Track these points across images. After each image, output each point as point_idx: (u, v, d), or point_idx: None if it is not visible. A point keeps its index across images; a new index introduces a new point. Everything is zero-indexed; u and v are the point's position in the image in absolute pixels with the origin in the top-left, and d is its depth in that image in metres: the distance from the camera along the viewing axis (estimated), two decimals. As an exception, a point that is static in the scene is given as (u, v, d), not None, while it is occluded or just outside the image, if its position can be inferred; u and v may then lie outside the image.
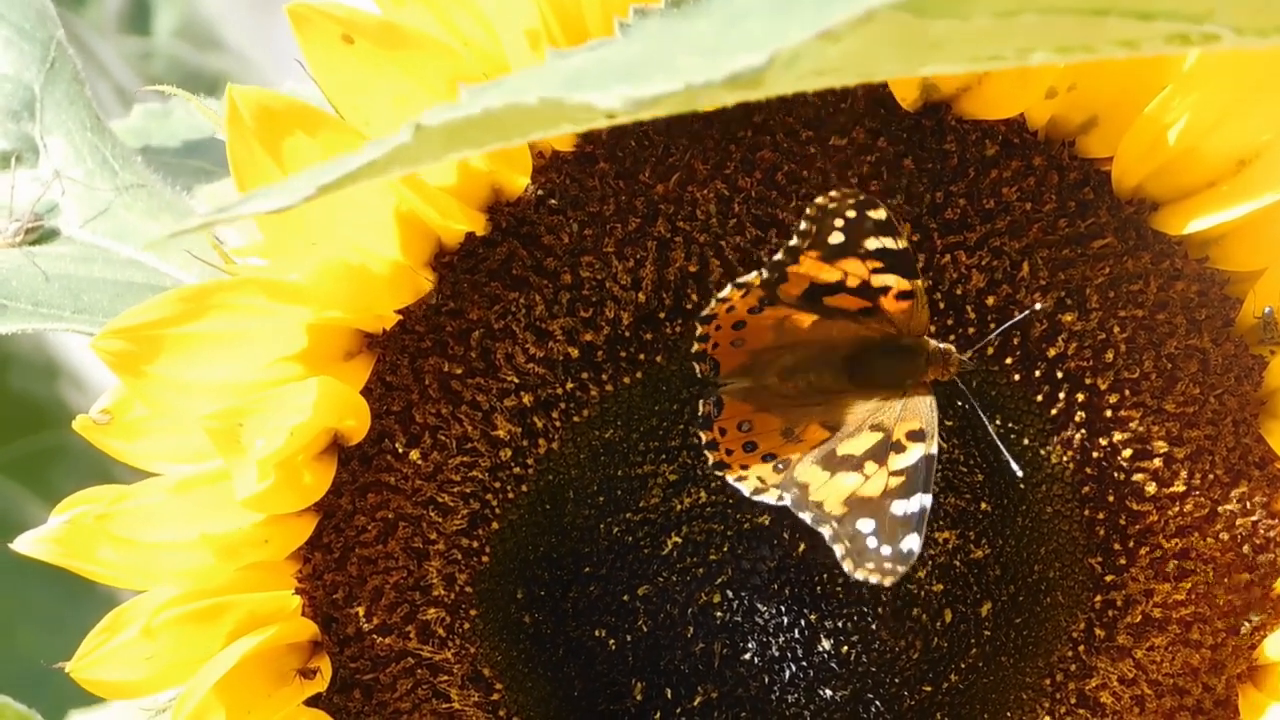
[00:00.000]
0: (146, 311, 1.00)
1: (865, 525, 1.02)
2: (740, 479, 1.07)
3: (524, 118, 0.66)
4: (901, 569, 1.00)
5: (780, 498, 1.06)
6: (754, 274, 1.06)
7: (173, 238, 1.39)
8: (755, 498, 1.07)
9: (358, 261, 1.03)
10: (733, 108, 1.08)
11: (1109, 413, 1.12)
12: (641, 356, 1.10)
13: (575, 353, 1.09)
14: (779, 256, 1.05)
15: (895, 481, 1.03)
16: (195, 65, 2.67)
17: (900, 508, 1.02)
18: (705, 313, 1.07)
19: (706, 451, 1.08)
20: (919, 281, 1.05)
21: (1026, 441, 1.13)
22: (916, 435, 1.05)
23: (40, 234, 1.36)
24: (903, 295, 1.05)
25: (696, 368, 1.08)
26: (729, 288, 1.06)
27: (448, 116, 0.66)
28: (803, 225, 1.04)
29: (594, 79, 0.63)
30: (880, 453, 1.05)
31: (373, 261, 1.03)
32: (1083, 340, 1.11)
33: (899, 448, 1.05)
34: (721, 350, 1.08)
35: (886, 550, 1.01)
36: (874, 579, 1.00)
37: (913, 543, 1.01)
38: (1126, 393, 1.12)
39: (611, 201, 1.08)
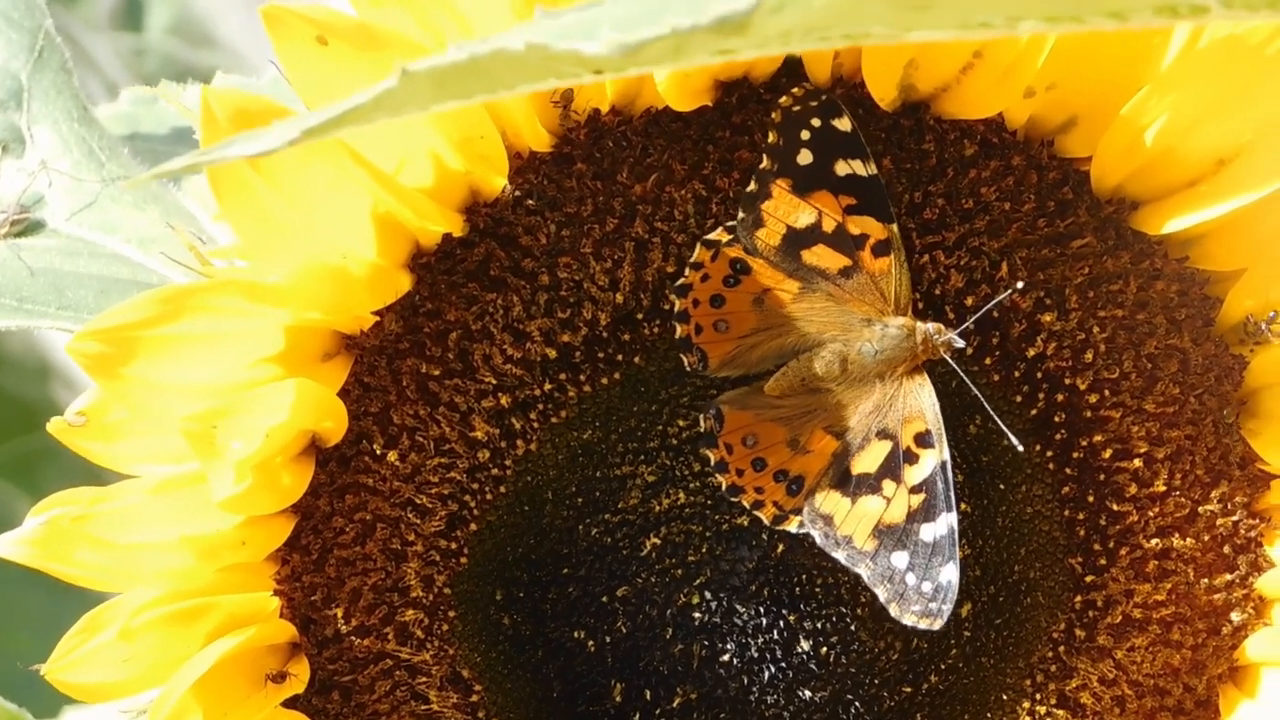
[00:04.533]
0: (123, 313, 0.99)
1: (900, 560, 1.03)
2: (757, 505, 1.08)
3: (511, 66, 0.66)
4: (947, 608, 1.02)
5: (802, 526, 1.06)
6: (720, 230, 1.06)
7: (162, 231, 1.39)
8: (777, 527, 1.08)
9: (336, 263, 1.02)
10: (711, 109, 1.08)
11: (1089, 413, 1.12)
12: (620, 357, 1.10)
13: (553, 354, 1.09)
14: (751, 188, 1.05)
15: (917, 501, 1.04)
16: (187, 62, 2.67)
17: (929, 532, 1.03)
18: (679, 282, 1.07)
19: (718, 475, 1.08)
20: (894, 226, 1.05)
21: (1006, 442, 1.12)
22: (925, 439, 1.05)
23: (26, 226, 1.35)
24: (880, 250, 1.05)
25: (685, 360, 1.08)
26: (698, 248, 1.06)
27: (435, 63, 0.66)
28: (770, 138, 1.04)
29: (583, 30, 0.63)
30: (894, 467, 1.05)
31: (351, 263, 1.03)
32: (1062, 340, 1.11)
33: (911, 457, 1.05)
34: (706, 336, 1.07)
35: (927, 587, 1.02)
36: (924, 624, 1.02)
37: (950, 574, 1.02)
38: (1106, 393, 1.12)
39: (589, 202, 1.08)
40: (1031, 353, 1.11)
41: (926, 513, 1.03)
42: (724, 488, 1.08)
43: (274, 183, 0.97)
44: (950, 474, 1.04)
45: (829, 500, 1.06)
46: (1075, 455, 1.13)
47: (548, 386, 1.10)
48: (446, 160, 1.03)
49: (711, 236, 1.06)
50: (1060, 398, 1.12)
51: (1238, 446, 1.14)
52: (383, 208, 1.02)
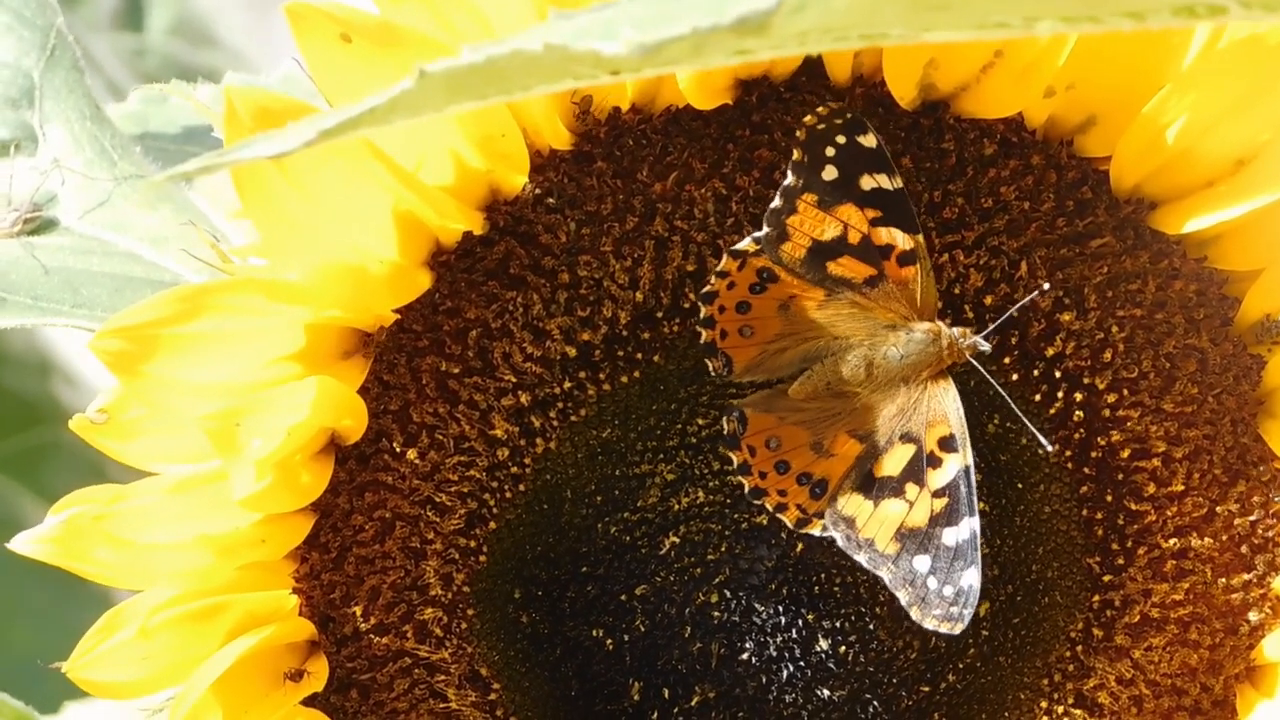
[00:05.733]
0: (144, 311, 0.99)
1: (921, 564, 1.03)
2: (780, 508, 1.07)
3: (528, 67, 0.66)
4: (968, 613, 1.02)
5: (825, 529, 1.06)
6: (748, 241, 1.06)
7: (174, 230, 1.39)
8: (801, 531, 1.08)
9: (356, 261, 1.02)
10: (731, 107, 1.08)
11: (1107, 412, 1.12)
12: (639, 356, 1.10)
13: (573, 352, 1.09)
14: (776, 204, 1.05)
15: (939, 505, 1.04)
16: (189, 62, 2.67)
17: (951, 536, 1.03)
18: (705, 290, 1.07)
19: (740, 477, 1.08)
20: (919, 236, 1.05)
21: (1024, 441, 1.12)
22: (948, 444, 1.05)
23: (39, 224, 1.35)
24: (905, 260, 1.05)
25: (710, 365, 1.08)
26: (725, 258, 1.06)
27: (451, 64, 0.66)
28: (795, 155, 1.04)
29: (602, 30, 0.63)
30: (917, 470, 1.05)
31: (371, 261, 1.03)
32: (1081, 340, 1.11)
33: (934, 461, 1.05)
34: (731, 341, 1.07)
35: (949, 591, 1.02)
36: (944, 629, 1.02)
37: (971, 578, 1.02)
38: (1125, 392, 1.12)
39: (609, 200, 1.08)
40: (1050, 352, 1.11)
41: (949, 517, 1.03)
42: (747, 490, 1.08)
43: (295, 180, 0.97)
44: (973, 479, 1.04)
45: (851, 503, 1.05)
46: (1093, 454, 1.13)
47: (567, 385, 1.10)
48: (467, 158, 1.03)
49: (739, 247, 1.06)
50: (1079, 397, 1.12)
51: (1256, 446, 1.14)
52: (403, 205, 1.02)
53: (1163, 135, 1.07)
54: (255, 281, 1.01)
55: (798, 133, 1.04)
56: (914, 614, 1.03)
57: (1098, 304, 1.11)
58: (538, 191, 1.08)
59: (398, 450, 1.09)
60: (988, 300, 1.10)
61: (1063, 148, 1.10)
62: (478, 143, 1.02)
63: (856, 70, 1.08)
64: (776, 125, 1.09)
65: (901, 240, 1.05)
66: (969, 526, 1.03)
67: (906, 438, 1.06)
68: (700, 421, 1.12)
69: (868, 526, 1.05)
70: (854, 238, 1.05)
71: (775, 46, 0.65)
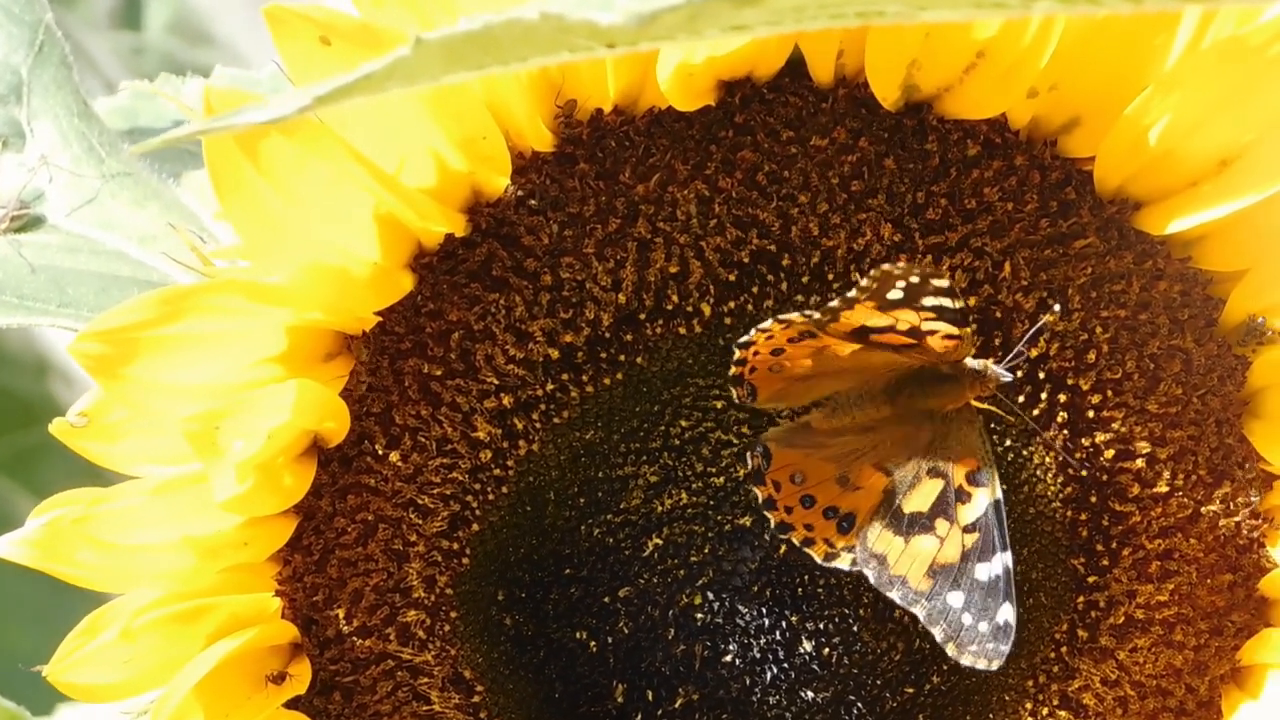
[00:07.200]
0: (125, 314, 0.99)
1: (955, 599, 1.03)
2: (807, 542, 1.07)
3: (525, 36, 0.66)
4: (1005, 649, 1.02)
5: (854, 564, 1.06)
6: (797, 314, 1.04)
7: (161, 228, 1.39)
8: (828, 564, 1.08)
9: (338, 263, 1.02)
10: (714, 108, 1.08)
11: (1091, 413, 1.12)
12: (622, 358, 1.10)
13: (555, 354, 1.09)
14: (834, 304, 1.02)
15: (970, 540, 1.04)
16: (186, 60, 2.67)
17: (984, 571, 1.04)
18: (744, 340, 1.06)
19: (766, 513, 1.08)
20: (968, 330, 1.04)
21: (1009, 443, 1.12)
22: (976, 478, 1.05)
23: (26, 221, 1.35)
24: (949, 336, 1.04)
25: (734, 392, 1.08)
26: (770, 321, 1.05)
27: (449, 32, 0.66)
28: (863, 282, 1.00)
29: (597, 0, 0.63)
30: (946, 505, 1.05)
31: (352, 263, 1.03)
32: (1065, 341, 1.11)
33: (963, 496, 1.05)
34: (759, 375, 1.07)
35: (984, 627, 1.03)
36: (981, 665, 1.03)
37: (1006, 614, 1.03)
38: (1109, 393, 1.12)
39: (592, 202, 1.08)
40: (1034, 353, 1.11)
41: (981, 552, 1.04)
42: (773, 525, 1.08)
43: (275, 182, 0.97)
44: (1003, 512, 1.04)
45: (882, 539, 1.05)
46: (1078, 456, 1.13)
47: (550, 387, 1.09)
48: (449, 160, 1.03)
49: (786, 316, 1.03)
50: (1063, 398, 1.12)
51: (1240, 447, 1.14)
52: (384, 208, 1.02)
53: (1146, 136, 1.07)
54: (236, 284, 1.01)
55: (872, 273, 0.99)
56: (950, 650, 1.03)
57: (1082, 305, 1.11)
58: (520, 193, 1.08)
59: (380, 452, 1.09)
60: (971, 302, 1.10)
61: (1046, 148, 1.10)
62: (459, 144, 1.02)
63: (840, 71, 1.08)
64: (759, 126, 1.09)
65: (949, 329, 1.03)
66: (1002, 561, 1.03)
67: (934, 472, 1.06)
68: (683, 424, 1.12)
69: (899, 563, 1.05)
70: (903, 327, 1.04)
71: (770, 21, 0.65)
